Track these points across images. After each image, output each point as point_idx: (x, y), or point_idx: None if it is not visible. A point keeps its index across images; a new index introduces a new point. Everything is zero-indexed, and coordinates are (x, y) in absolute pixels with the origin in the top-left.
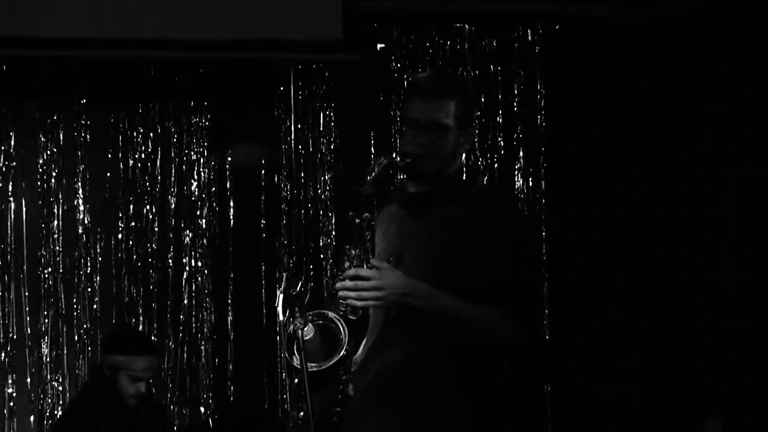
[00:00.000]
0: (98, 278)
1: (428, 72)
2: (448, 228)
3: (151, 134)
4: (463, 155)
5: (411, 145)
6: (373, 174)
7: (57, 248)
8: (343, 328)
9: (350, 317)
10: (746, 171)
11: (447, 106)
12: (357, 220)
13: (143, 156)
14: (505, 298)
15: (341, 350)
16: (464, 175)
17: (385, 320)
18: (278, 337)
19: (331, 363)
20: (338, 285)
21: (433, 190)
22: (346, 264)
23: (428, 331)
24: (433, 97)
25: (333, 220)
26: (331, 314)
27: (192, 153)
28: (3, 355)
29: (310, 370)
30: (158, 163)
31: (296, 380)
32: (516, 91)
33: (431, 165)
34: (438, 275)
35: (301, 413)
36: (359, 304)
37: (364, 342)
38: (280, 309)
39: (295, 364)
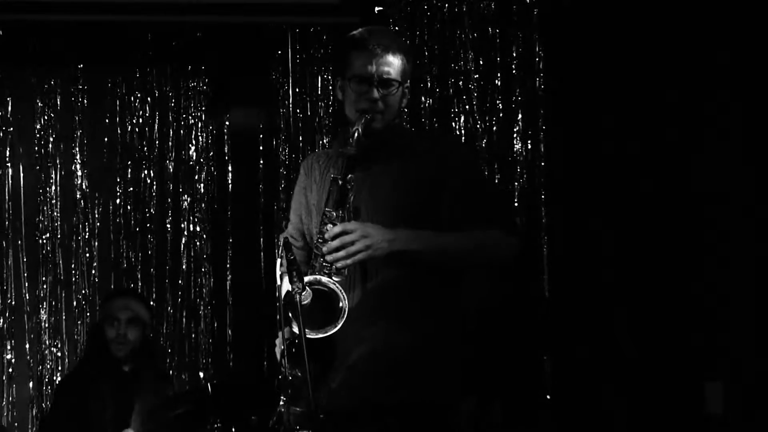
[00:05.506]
0: (96, 244)
1: (370, 27)
2: (404, 177)
3: (149, 99)
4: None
5: (365, 102)
6: (356, 135)
7: (55, 214)
8: (343, 295)
9: (334, 279)
10: (749, 119)
11: (396, 61)
12: (340, 182)
13: (141, 121)
14: (482, 220)
15: (341, 318)
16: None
17: (363, 282)
18: (277, 303)
19: (332, 332)
20: (325, 249)
21: (382, 144)
22: (328, 226)
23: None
24: (384, 51)
25: None
26: (326, 280)
27: (190, 117)
28: (1, 321)
29: (308, 336)
30: (156, 128)
31: (291, 346)
32: (514, 54)
33: (383, 120)
34: (405, 223)
35: (299, 373)
36: (349, 261)
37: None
38: (278, 274)
39: (293, 328)
